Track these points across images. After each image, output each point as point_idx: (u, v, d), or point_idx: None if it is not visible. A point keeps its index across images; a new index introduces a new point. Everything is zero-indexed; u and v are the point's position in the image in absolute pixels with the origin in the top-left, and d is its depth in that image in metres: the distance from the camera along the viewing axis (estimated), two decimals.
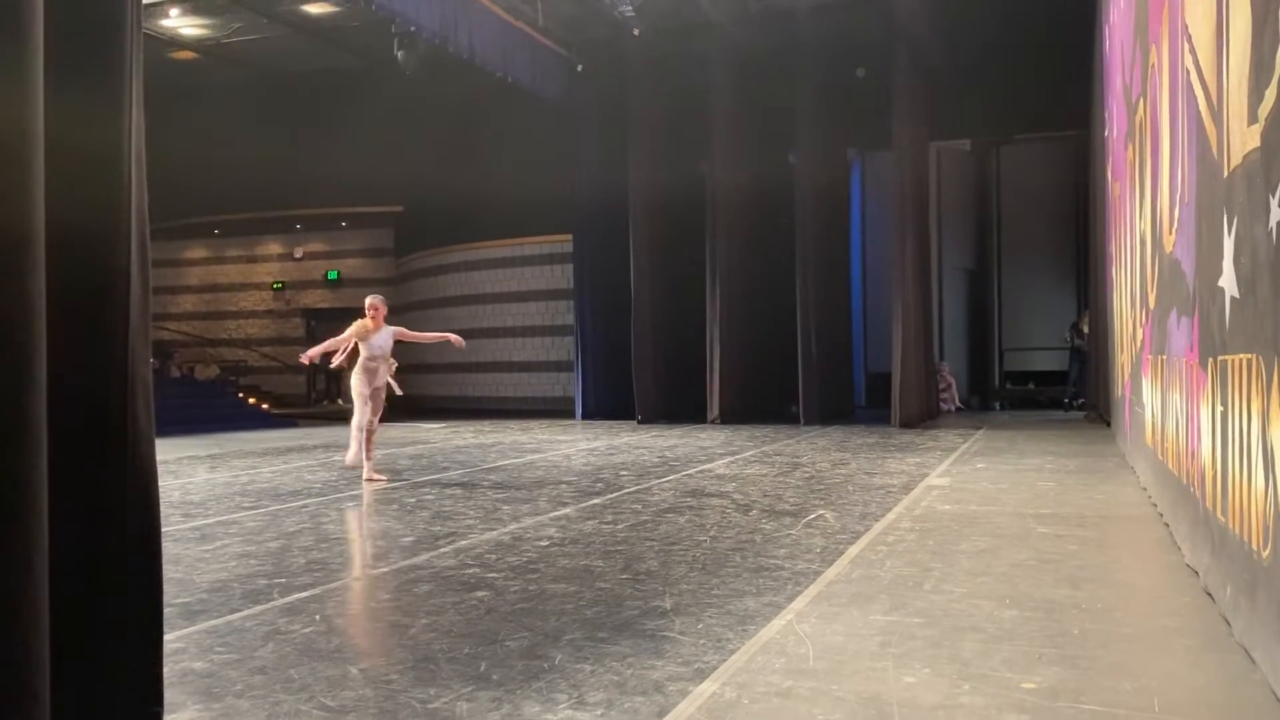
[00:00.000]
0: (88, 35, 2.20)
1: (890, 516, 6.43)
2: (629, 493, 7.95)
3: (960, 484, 7.99)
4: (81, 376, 2.17)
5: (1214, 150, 3.83)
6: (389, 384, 9.13)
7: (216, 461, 11.18)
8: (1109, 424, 12.43)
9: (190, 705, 3.11)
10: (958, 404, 17.62)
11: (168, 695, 2.77)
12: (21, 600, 1.79)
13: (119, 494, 2.24)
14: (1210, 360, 4.04)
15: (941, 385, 17.16)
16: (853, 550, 5.34)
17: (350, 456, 8.94)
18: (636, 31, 15.63)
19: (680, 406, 16.30)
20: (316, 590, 4.71)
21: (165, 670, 2.68)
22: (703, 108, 15.97)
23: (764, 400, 16.22)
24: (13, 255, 1.80)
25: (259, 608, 4.39)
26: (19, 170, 1.81)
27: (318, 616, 4.21)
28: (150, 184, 2.43)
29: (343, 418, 19.00)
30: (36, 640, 1.83)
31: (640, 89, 16.37)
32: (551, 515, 6.87)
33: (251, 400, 20.43)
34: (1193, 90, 4.33)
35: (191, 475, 9.75)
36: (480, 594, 4.56)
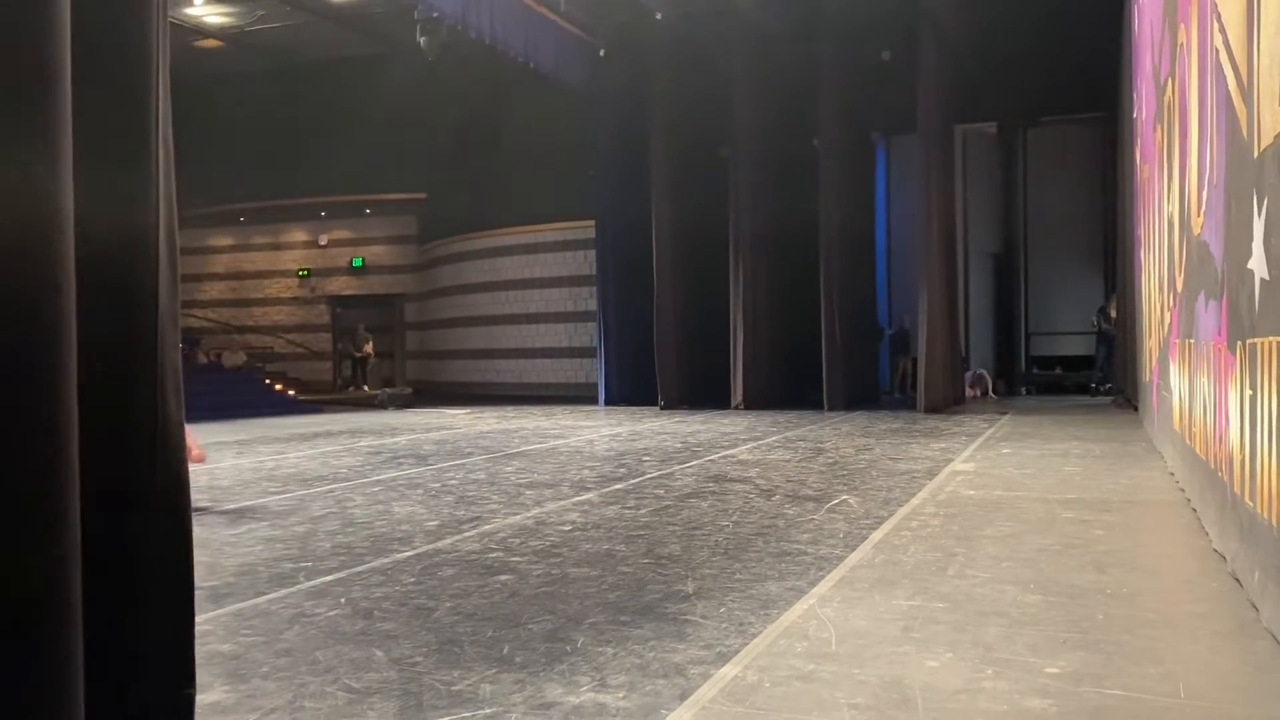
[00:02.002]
0: (114, 23, 2.22)
1: (914, 502, 6.41)
2: (651, 478, 7.97)
3: (985, 469, 7.94)
4: (112, 363, 2.20)
5: (1244, 131, 3.77)
6: None
7: (243, 447, 11.29)
8: (1136, 409, 12.31)
9: (218, 686, 3.15)
10: (991, 392, 17.42)
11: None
12: (54, 586, 1.82)
13: (150, 479, 2.27)
14: (1239, 343, 4.00)
15: (970, 384, 17.01)
16: (876, 535, 5.33)
17: None
18: (659, 15, 15.56)
19: (703, 392, 16.30)
20: (342, 574, 4.76)
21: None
22: (725, 91, 15.89)
23: (787, 386, 16.18)
24: (40, 240, 1.82)
25: (285, 591, 4.45)
26: (46, 156, 1.83)
27: (343, 600, 4.26)
28: (176, 172, 2.44)
29: (369, 404, 19.18)
30: (69, 625, 1.86)
31: (663, 73, 16.31)
32: (574, 500, 6.90)
33: (278, 386, 20.59)
34: (1222, 70, 4.26)
35: (219, 461, 9.85)
36: (504, 578, 4.59)
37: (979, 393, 17.15)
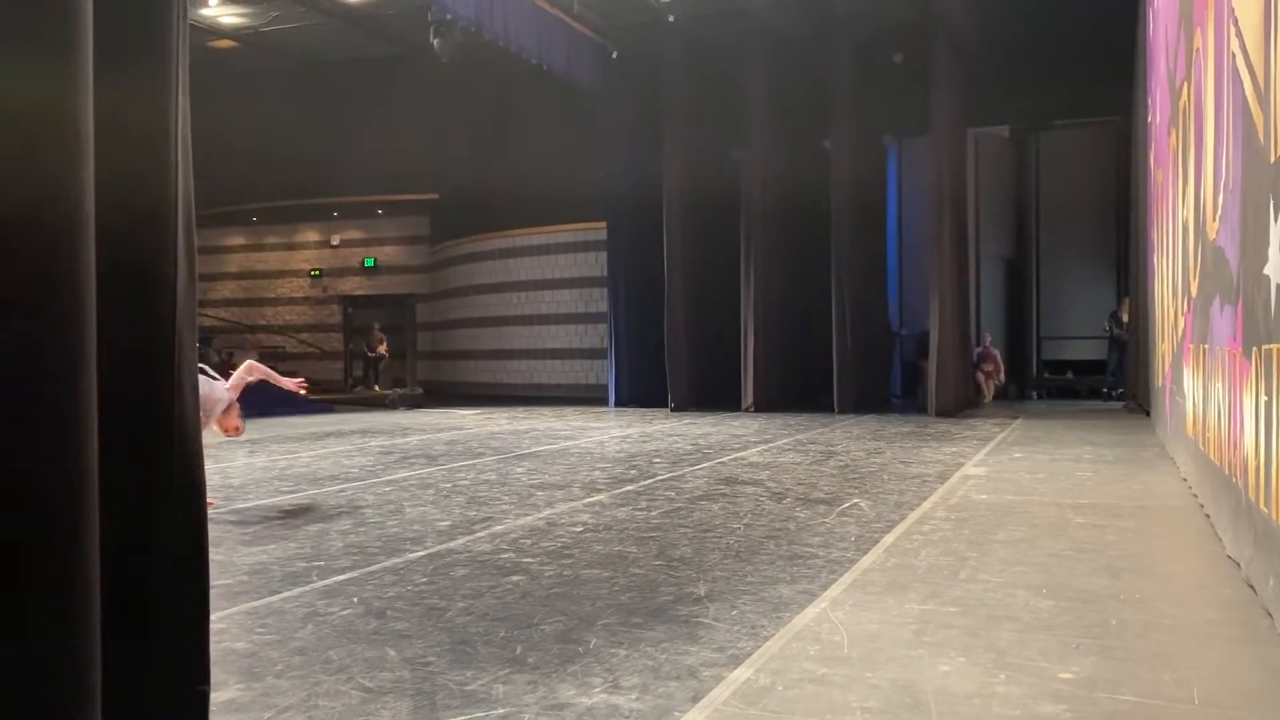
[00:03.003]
0: (135, 20, 2.24)
1: (926, 505, 6.40)
2: (662, 480, 7.97)
3: (997, 473, 7.92)
4: (129, 360, 2.21)
5: (1260, 135, 3.76)
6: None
7: (255, 446, 11.32)
8: (1148, 414, 12.26)
9: (232, 684, 3.17)
10: (999, 382, 17.31)
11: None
12: (71, 583, 1.83)
13: (167, 476, 2.28)
14: (1255, 349, 3.98)
15: (989, 367, 16.96)
16: (888, 539, 5.33)
17: None
18: (672, 18, 15.57)
19: (714, 394, 16.28)
20: (354, 573, 4.77)
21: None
22: (737, 94, 15.89)
23: (798, 388, 16.16)
24: (60, 238, 1.83)
25: (298, 590, 4.46)
26: (69, 149, 1.84)
27: (356, 599, 4.27)
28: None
29: (379, 404, 19.22)
30: (87, 622, 1.87)
31: (675, 75, 16.32)
32: (585, 501, 6.91)
33: None
34: (1239, 74, 4.25)
35: (231, 459, 9.89)
36: (515, 578, 4.60)
37: (991, 393, 17.00)
